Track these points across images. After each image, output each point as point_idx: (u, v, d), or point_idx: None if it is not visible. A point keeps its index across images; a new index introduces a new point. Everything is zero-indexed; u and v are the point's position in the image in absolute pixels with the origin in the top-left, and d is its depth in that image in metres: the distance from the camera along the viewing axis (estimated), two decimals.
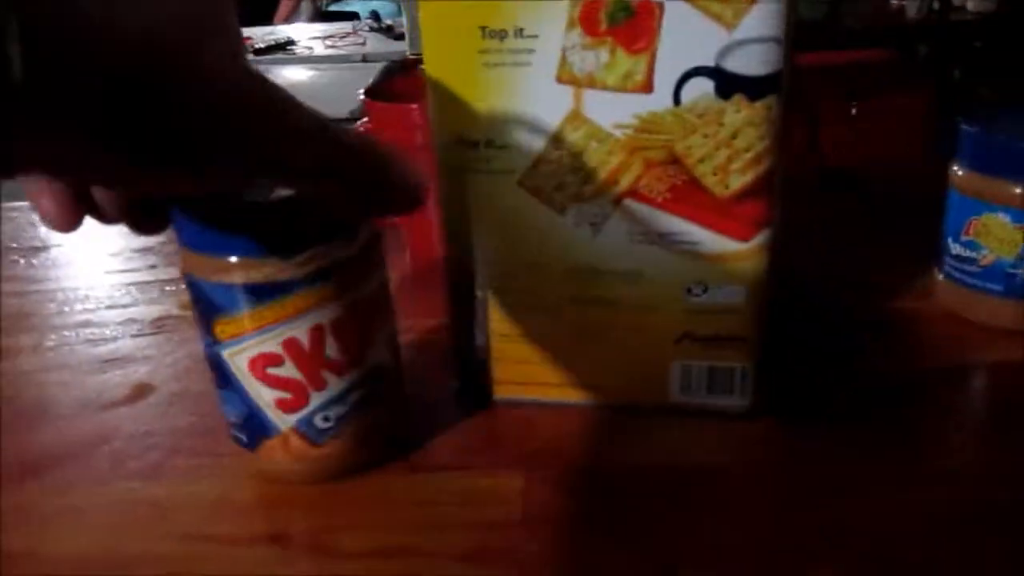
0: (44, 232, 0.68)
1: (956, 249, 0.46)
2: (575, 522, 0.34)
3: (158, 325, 0.51)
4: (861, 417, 0.39)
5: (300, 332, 0.33)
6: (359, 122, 0.54)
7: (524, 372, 0.40)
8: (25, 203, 0.73)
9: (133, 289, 0.57)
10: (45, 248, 0.65)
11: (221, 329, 0.34)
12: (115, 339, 0.50)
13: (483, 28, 0.33)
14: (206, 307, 0.33)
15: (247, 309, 0.33)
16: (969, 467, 0.36)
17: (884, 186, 0.66)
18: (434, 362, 0.43)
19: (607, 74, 0.33)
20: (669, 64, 0.33)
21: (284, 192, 0.31)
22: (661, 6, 0.32)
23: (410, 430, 0.39)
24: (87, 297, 0.56)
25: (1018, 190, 0.43)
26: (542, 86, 0.34)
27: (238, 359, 0.34)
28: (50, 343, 0.50)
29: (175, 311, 0.53)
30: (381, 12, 3.39)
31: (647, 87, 0.33)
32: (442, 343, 0.41)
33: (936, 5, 2.70)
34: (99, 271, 0.60)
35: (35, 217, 0.68)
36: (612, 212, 0.36)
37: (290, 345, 0.33)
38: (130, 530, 0.35)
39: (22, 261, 0.62)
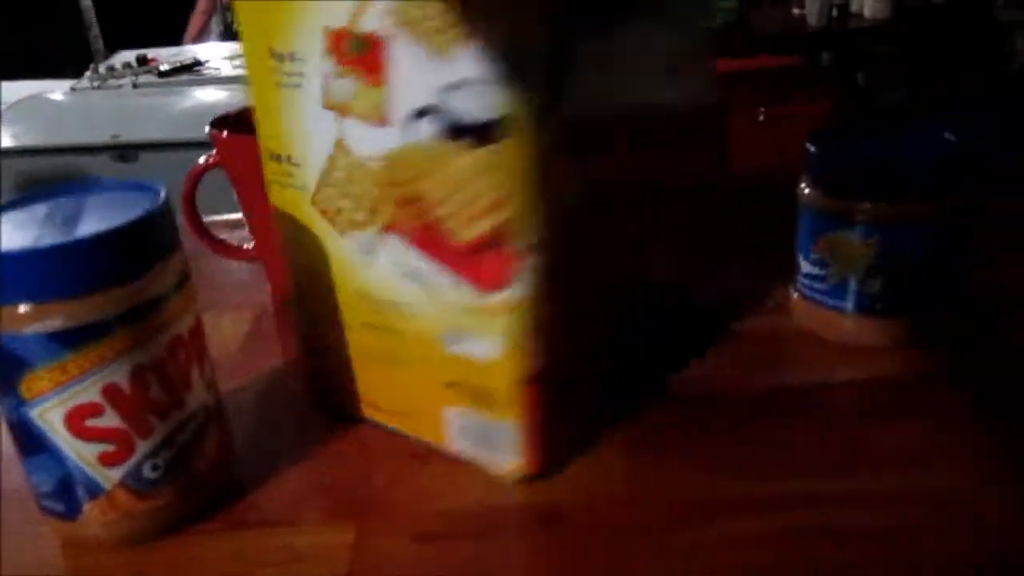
0: None
1: (806, 267, 0.46)
2: None
3: None
4: (701, 441, 0.39)
5: (120, 376, 0.31)
6: (206, 157, 0.52)
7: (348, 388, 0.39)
8: None
9: None
10: None
11: (27, 387, 0.31)
12: None
13: (270, 50, 0.34)
14: (6, 364, 0.31)
15: (55, 359, 0.30)
16: (820, 487, 0.35)
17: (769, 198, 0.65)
18: (277, 402, 0.42)
19: (357, 104, 0.33)
20: (402, 99, 0.32)
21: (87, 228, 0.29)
22: (387, 38, 0.31)
23: (241, 474, 0.37)
24: None
25: (862, 207, 0.43)
26: (315, 110, 0.34)
27: (50, 416, 0.32)
28: None
29: None
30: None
31: (384, 121, 0.32)
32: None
33: (835, 13, 2.79)
34: None
35: None
36: (379, 243, 0.35)
37: (109, 391, 0.31)
38: None
39: None
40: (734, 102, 2.11)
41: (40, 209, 0.34)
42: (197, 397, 0.34)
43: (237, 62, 3.12)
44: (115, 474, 0.33)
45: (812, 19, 2.77)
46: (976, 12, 2.71)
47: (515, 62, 0.29)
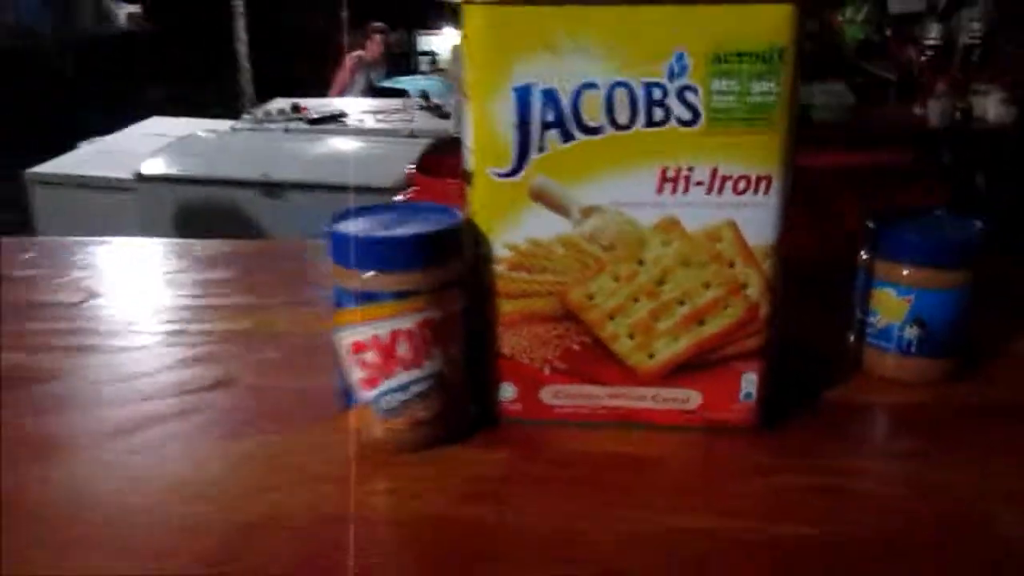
0: (141, 263, 0.84)
1: (860, 315, 0.59)
2: None
3: (236, 336, 0.66)
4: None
5: (383, 332, 0.46)
6: (404, 191, 0.69)
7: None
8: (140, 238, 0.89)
9: (217, 310, 0.71)
10: (149, 274, 0.81)
11: (337, 318, 0.47)
12: (204, 344, 0.64)
13: None
14: (336, 304, 0.47)
15: (350, 308, 0.47)
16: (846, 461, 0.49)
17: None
18: None
19: None
20: None
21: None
22: None
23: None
24: (182, 312, 0.71)
25: (903, 271, 0.56)
26: None
27: (343, 342, 0.48)
28: (148, 343, 0.65)
29: (249, 327, 0.67)
30: (430, 91, 3.61)
31: None
32: None
33: (958, 115, 2.84)
34: (187, 295, 0.75)
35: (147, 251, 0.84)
36: None
37: (374, 340, 0.47)
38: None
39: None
40: (851, 194, 2.21)
41: (377, 215, 0.50)
42: (434, 365, 0.48)
43: (379, 116, 3.39)
44: (366, 395, 0.48)
45: (933, 119, 2.81)
46: None
47: None
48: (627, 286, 0.49)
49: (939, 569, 0.42)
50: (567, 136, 0.46)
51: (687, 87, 0.45)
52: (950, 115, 2.83)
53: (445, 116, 3.24)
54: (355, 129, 3.27)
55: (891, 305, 0.57)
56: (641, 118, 0.46)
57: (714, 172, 0.47)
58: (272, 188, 2.81)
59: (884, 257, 0.57)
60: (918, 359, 0.57)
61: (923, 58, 3.17)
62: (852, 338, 0.61)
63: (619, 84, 0.45)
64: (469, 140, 0.48)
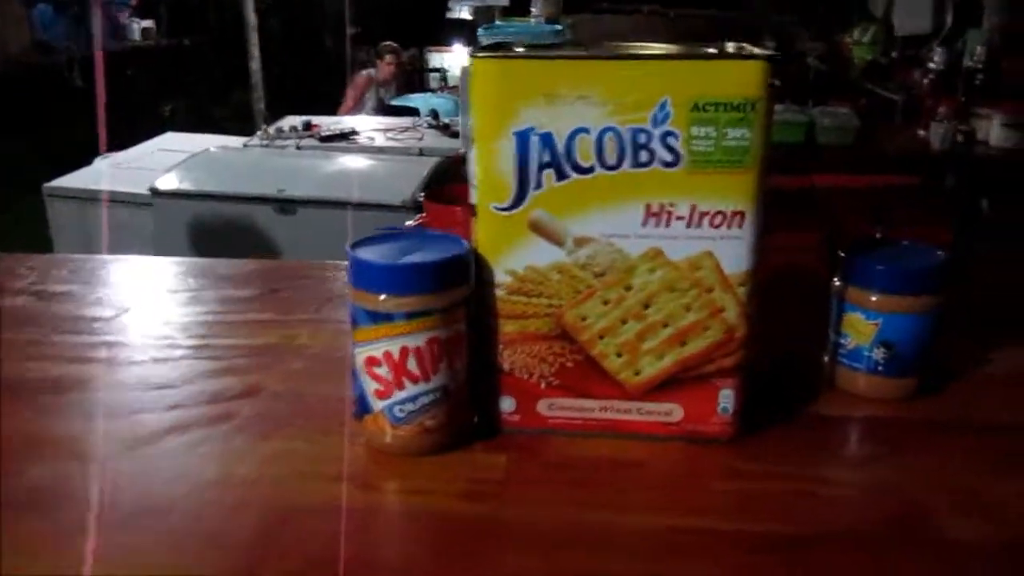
0: (166, 281, 0.90)
1: (833, 337, 0.65)
2: None
3: (263, 349, 0.71)
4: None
5: (394, 349, 0.52)
6: (416, 217, 0.75)
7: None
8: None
9: (243, 326, 0.77)
10: (176, 291, 0.87)
11: (356, 335, 0.53)
12: (233, 356, 0.70)
13: None
14: (353, 320, 0.53)
15: (367, 326, 0.52)
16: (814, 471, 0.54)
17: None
18: None
19: None
20: None
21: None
22: None
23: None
24: (208, 327, 0.76)
25: (872, 297, 0.61)
26: None
27: (359, 357, 0.53)
28: (176, 356, 0.70)
29: (274, 341, 0.73)
30: (440, 110, 3.67)
31: None
32: None
33: (960, 138, 2.88)
34: (212, 312, 0.80)
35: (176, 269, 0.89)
36: None
37: (387, 355, 0.52)
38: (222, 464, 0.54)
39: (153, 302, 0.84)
40: (851, 218, 2.26)
41: (392, 242, 0.55)
42: (441, 379, 0.53)
43: (389, 134, 3.46)
44: (379, 405, 0.53)
45: (935, 142, 2.85)
46: None
47: None
48: (616, 309, 0.54)
49: (894, 561, 0.47)
50: (562, 175, 0.52)
51: (669, 132, 0.51)
52: (952, 139, 2.86)
53: (454, 135, 3.30)
54: (366, 147, 3.32)
55: (860, 328, 0.62)
56: (628, 160, 0.51)
57: (693, 208, 0.52)
58: (285, 204, 2.85)
59: (854, 284, 0.62)
60: (885, 378, 0.62)
61: (927, 81, 3.22)
62: (826, 358, 0.66)
63: (609, 129, 0.51)
64: (474, 178, 0.53)
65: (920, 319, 0.61)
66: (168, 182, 2.97)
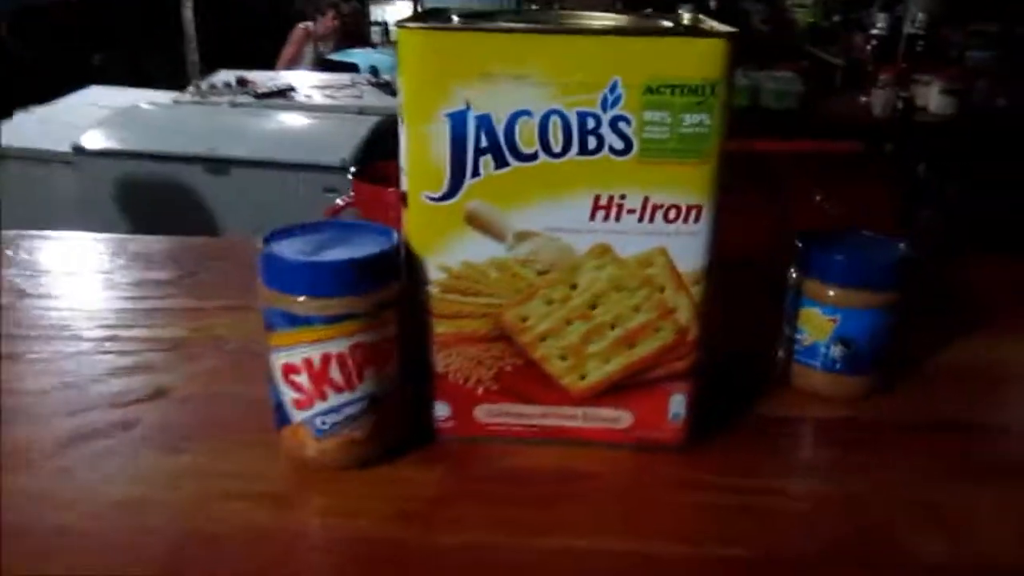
0: (77, 260, 0.82)
1: (788, 331, 0.61)
2: None
3: (174, 344, 0.65)
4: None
5: (314, 355, 0.46)
6: (343, 196, 0.69)
7: None
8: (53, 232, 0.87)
9: (153, 314, 0.70)
10: (82, 273, 0.79)
11: (273, 340, 0.47)
12: (139, 352, 0.64)
13: None
14: (268, 324, 0.47)
15: (284, 330, 0.47)
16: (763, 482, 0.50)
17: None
18: None
19: None
20: None
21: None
22: None
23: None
24: (115, 317, 0.70)
25: (830, 292, 0.57)
26: None
27: (276, 362, 0.48)
28: (81, 350, 0.64)
29: (187, 333, 0.67)
30: (381, 67, 3.56)
31: None
32: None
33: (900, 105, 2.90)
34: (122, 297, 0.74)
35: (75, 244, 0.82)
36: None
37: (306, 362, 0.47)
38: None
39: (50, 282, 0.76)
40: (794, 182, 2.25)
41: (311, 234, 0.49)
42: (368, 387, 0.48)
43: (327, 91, 3.34)
44: (299, 416, 0.48)
45: (877, 109, 2.87)
46: None
47: None
48: (560, 309, 0.50)
49: None
50: (501, 162, 0.47)
51: (620, 117, 0.46)
52: (893, 105, 2.88)
53: (394, 93, 3.19)
54: (303, 104, 3.21)
55: (817, 324, 0.58)
56: (575, 146, 0.46)
57: (646, 201, 0.47)
58: (218, 164, 2.75)
59: (811, 277, 0.58)
60: (843, 376, 0.59)
61: (869, 46, 3.23)
62: (781, 353, 0.63)
63: (553, 112, 0.46)
64: (404, 163, 0.48)
65: (880, 314, 0.57)
66: (93, 139, 2.84)
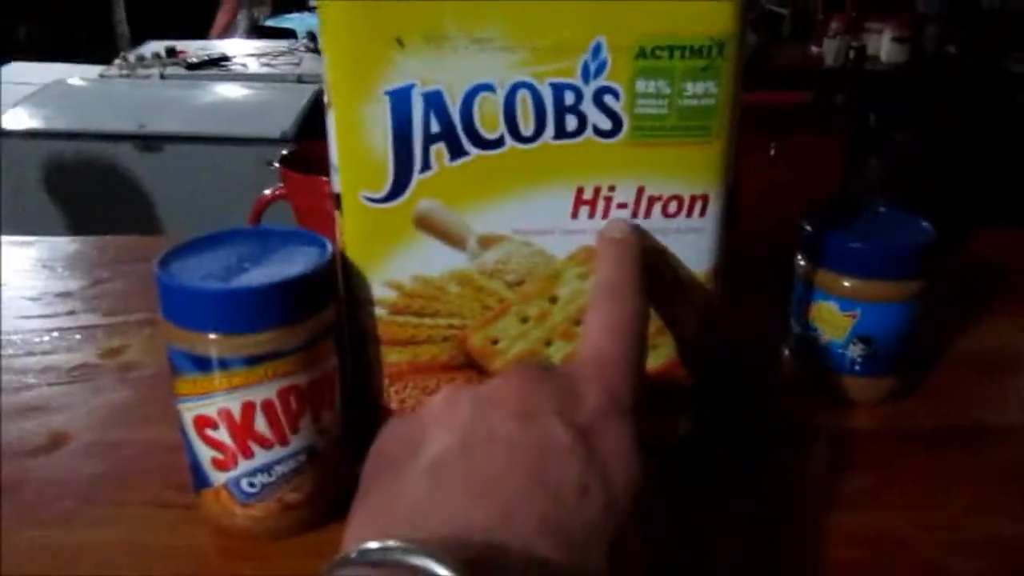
0: None
1: (797, 328, 0.53)
2: None
3: (76, 374, 0.55)
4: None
5: (233, 405, 0.37)
6: (273, 188, 0.59)
7: None
8: None
9: (53, 335, 0.60)
10: None
11: (177, 386, 0.38)
12: (33, 387, 0.53)
13: None
14: (172, 365, 0.38)
15: (192, 375, 0.37)
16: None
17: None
18: None
19: None
20: None
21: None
22: None
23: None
24: (5, 343, 0.59)
25: (846, 283, 0.49)
26: None
27: (186, 414, 0.38)
28: None
29: (93, 359, 0.56)
30: (318, 32, 3.40)
31: None
32: None
33: (852, 54, 2.85)
34: (17, 316, 0.63)
35: None
36: None
37: (224, 414, 0.37)
38: None
39: None
40: (746, 134, 2.19)
41: (222, 249, 0.39)
42: (303, 439, 0.38)
43: (264, 59, 3.19)
44: (220, 478, 0.38)
45: (829, 58, 2.83)
46: (987, 63, 2.78)
47: None
48: (538, 328, 0.40)
49: None
50: (458, 151, 0.37)
51: (606, 89, 0.36)
52: (845, 54, 2.84)
53: None
54: (238, 74, 3.07)
55: (833, 321, 0.50)
56: (550, 128, 0.37)
57: (640, 192, 0.38)
58: (149, 141, 2.62)
59: (824, 267, 0.50)
60: (862, 378, 0.51)
61: None
62: (787, 352, 0.54)
63: (521, 85, 0.36)
64: (335, 157, 0.38)
65: (906, 307, 0.49)
66: (15, 119, 2.68)
